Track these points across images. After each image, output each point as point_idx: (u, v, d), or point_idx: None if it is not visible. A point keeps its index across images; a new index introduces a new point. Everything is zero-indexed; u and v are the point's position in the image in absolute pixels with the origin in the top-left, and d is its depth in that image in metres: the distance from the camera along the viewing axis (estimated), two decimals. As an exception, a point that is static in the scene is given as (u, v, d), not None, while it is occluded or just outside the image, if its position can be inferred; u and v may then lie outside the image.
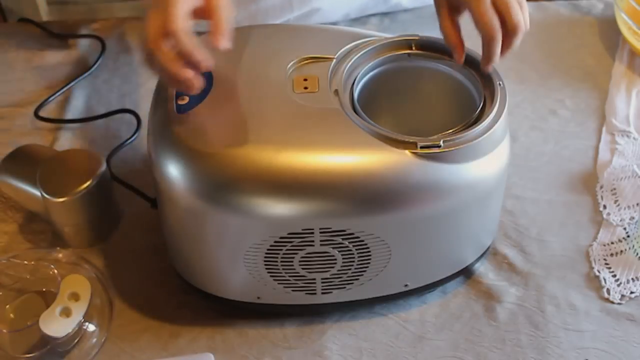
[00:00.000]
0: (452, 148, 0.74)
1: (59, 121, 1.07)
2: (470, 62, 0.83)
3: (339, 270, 0.79)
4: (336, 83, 0.80)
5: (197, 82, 0.72)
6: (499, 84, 0.79)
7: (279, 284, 0.80)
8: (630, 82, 1.11)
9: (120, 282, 0.88)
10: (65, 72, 1.15)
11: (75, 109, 1.09)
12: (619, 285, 0.87)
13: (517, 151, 1.01)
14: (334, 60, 0.82)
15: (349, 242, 0.76)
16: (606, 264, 0.89)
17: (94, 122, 1.07)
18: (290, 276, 0.79)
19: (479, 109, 0.79)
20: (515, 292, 0.87)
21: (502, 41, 0.76)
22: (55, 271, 0.83)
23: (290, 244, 0.76)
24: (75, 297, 0.81)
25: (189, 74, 0.71)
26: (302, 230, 0.74)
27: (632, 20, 1.10)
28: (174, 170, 0.75)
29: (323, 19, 1.18)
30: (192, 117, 0.77)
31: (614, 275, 0.88)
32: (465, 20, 1.19)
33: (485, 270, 0.89)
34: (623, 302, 0.86)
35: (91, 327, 0.83)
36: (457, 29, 0.81)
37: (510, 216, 0.94)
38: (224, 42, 0.70)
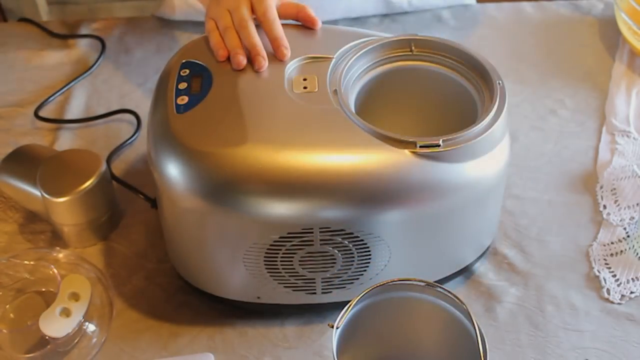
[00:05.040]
0: (452, 147, 0.74)
1: (59, 121, 1.07)
2: (470, 62, 0.83)
3: (339, 270, 0.79)
4: (335, 83, 0.80)
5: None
6: (498, 83, 0.79)
7: (279, 283, 0.80)
8: (630, 82, 1.11)
9: (120, 282, 0.88)
10: (65, 72, 1.15)
11: (75, 109, 1.09)
12: (619, 285, 0.87)
13: (517, 151, 1.01)
14: (333, 60, 0.82)
15: (349, 242, 0.76)
16: (606, 264, 0.89)
17: (94, 122, 1.07)
18: (290, 276, 0.79)
19: (478, 108, 0.79)
20: (515, 292, 0.87)
21: None
22: (55, 271, 0.83)
23: (290, 244, 0.76)
24: (75, 297, 0.81)
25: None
26: (302, 229, 0.74)
27: (632, 20, 1.10)
28: (173, 170, 0.75)
29: (322, 16, 1.18)
30: (191, 117, 0.77)
31: (614, 275, 0.88)
32: (468, 22, 1.19)
33: (485, 270, 0.89)
34: (623, 302, 0.86)
35: (91, 327, 0.83)
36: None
37: (510, 216, 0.94)
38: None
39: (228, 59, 0.83)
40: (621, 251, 0.90)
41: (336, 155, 0.74)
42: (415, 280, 0.71)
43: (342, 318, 0.68)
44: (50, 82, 1.13)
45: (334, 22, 1.21)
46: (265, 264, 0.78)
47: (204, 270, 0.83)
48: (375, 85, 0.85)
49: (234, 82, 0.81)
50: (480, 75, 0.82)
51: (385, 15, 1.22)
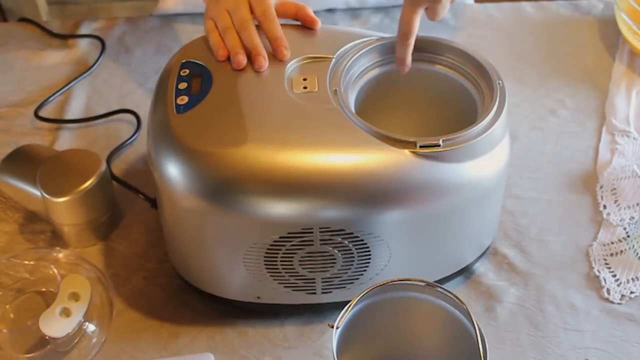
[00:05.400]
0: (452, 147, 0.74)
1: (59, 121, 1.07)
2: (470, 62, 0.83)
3: (339, 270, 0.79)
4: (335, 83, 0.80)
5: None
6: (498, 83, 0.79)
7: (279, 283, 0.80)
8: (630, 82, 1.11)
9: (120, 282, 0.88)
10: (65, 72, 1.15)
11: (75, 109, 1.09)
12: (619, 285, 0.87)
13: (517, 151, 1.01)
14: (333, 59, 0.82)
15: (349, 242, 0.76)
16: (606, 264, 0.89)
17: (94, 122, 1.07)
18: (290, 276, 0.79)
19: (478, 108, 0.79)
20: (515, 292, 0.87)
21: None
22: (55, 271, 0.83)
23: (289, 244, 0.76)
24: (75, 297, 0.81)
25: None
26: (302, 229, 0.74)
27: (632, 20, 1.10)
28: (173, 170, 0.75)
29: (322, 5, 1.18)
30: (191, 116, 0.77)
31: (614, 275, 0.88)
32: (468, 22, 1.19)
33: (485, 270, 0.89)
34: (623, 302, 0.86)
35: (91, 327, 0.83)
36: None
37: (510, 216, 0.94)
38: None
39: (228, 58, 0.83)
40: (621, 251, 0.90)
41: (336, 155, 0.74)
42: (415, 280, 0.71)
43: (342, 318, 0.68)
44: (50, 82, 1.13)
45: (334, 12, 1.21)
46: (265, 264, 0.78)
47: (204, 270, 0.83)
48: (375, 85, 0.85)
49: (234, 82, 0.81)
50: (480, 75, 0.82)
51: (385, 14, 1.22)
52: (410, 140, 0.74)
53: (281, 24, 0.86)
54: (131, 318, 0.85)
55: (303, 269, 0.78)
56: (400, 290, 0.72)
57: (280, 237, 0.75)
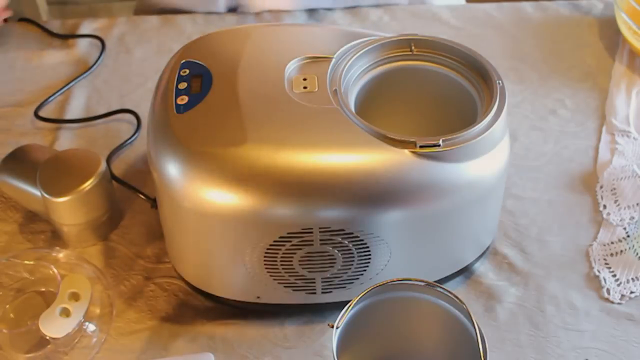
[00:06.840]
0: (452, 147, 0.74)
1: (59, 121, 1.07)
2: (470, 62, 0.83)
3: (339, 270, 0.79)
4: (335, 82, 0.80)
5: None
6: (498, 82, 0.79)
7: (278, 283, 0.80)
8: (630, 82, 1.11)
9: (120, 282, 0.88)
10: (65, 72, 1.15)
11: (75, 109, 1.09)
12: (619, 285, 0.87)
13: (517, 151, 1.02)
14: (333, 59, 0.82)
15: (349, 242, 0.76)
16: (606, 263, 0.89)
17: (94, 122, 1.07)
18: (290, 276, 0.79)
19: (478, 108, 0.79)
20: (515, 292, 0.87)
21: None
22: (55, 271, 0.83)
23: (289, 244, 0.76)
24: (75, 297, 0.81)
25: None
26: (302, 229, 0.74)
27: (632, 20, 1.10)
28: (173, 170, 0.75)
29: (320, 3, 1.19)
30: (191, 116, 0.77)
31: (614, 275, 0.88)
32: (468, 22, 1.19)
33: (485, 270, 0.89)
34: (623, 302, 0.86)
35: (91, 327, 0.83)
36: None
37: (510, 216, 0.94)
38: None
39: (228, 58, 0.83)
40: (621, 251, 0.90)
41: (336, 155, 0.74)
42: (415, 280, 0.71)
43: (342, 318, 0.68)
44: (50, 82, 1.13)
45: (333, 11, 1.21)
46: (265, 264, 0.78)
47: (204, 270, 0.83)
48: (375, 85, 0.85)
49: (234, 82, 0.81)
50: (480, 75, 0.82)
51: (384, 13, 1.22)
52: (410, 140, 0.74)
53: (282, 24, 0.86)
54: (131, 318, 0.85)
55: (303, 269, 0.78)
56: (400, 290, 0.72)
57: (280, 237, 0.75)
